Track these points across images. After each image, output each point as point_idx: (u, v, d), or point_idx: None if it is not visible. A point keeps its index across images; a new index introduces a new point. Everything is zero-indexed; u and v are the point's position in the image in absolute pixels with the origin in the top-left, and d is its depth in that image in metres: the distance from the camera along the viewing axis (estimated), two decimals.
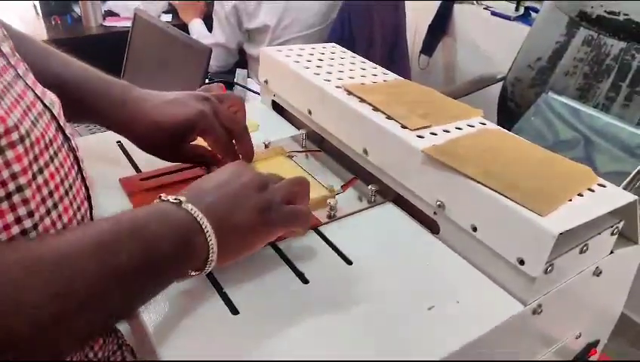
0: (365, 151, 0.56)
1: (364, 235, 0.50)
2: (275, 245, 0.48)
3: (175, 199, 0.37)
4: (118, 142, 0.62)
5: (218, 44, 1.47)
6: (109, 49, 1.34)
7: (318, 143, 0.65)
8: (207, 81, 1.21)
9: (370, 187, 0.54)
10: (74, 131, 0.42)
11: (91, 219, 0.42)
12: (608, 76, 1.21)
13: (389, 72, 0.68)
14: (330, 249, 0.48)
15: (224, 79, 1.25)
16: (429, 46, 1.96)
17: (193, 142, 0.53)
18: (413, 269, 0.46)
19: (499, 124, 0.57)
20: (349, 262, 0.46)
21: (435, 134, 0.52)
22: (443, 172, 0.47)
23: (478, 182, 0.45)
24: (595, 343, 0.61)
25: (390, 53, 1.58)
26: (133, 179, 0.55)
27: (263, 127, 0.69)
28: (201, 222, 0.36)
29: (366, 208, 0.54)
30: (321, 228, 0.50)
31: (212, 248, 0.37)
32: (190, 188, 0.40)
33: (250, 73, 1.49)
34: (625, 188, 1.08)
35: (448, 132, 0.53)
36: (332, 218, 0.52)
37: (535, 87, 1.33)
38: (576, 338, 0.56)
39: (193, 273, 0.38)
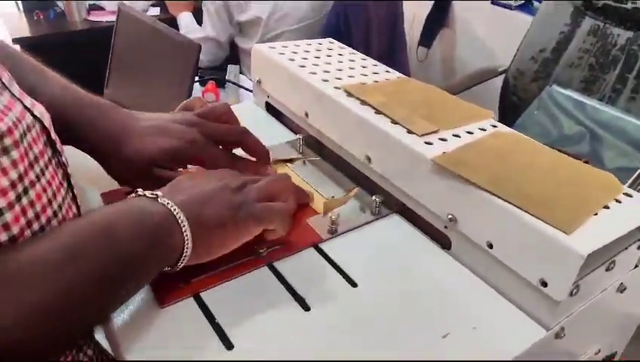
0: (368, 159, 0.52)
1: (369, 252, 0.46)
2: (272, 266, 0.43)
3: (152, 194, 0.38)
4: None
5: (208, 38, 1.42)
6: (94, 45, 1.29)
7: (317, 149, 0.60)
8: (197, 78, 1.16)
9: (374, 198, 0.50)
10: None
11: None
12: (615, 68, 1.17)
13: (391, 69, 0.64)
14: (333, 269, 0.44)
15: (215, 76, 1.20)
16: (427, 38, 1.91)
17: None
18: (424, 291, 0.42)
19: (501, 118, 0.53)
20: (354, 284, 0.42)
21: (445, 140, 0.48)
22: (455, 182, 0.43)
23: (494, 195, 0.41)
24: (613, 355, 0.57)
25: (388, 45, 1.53)
26: (117, 193, 0.51)
27: (256, 131, 0.64)
28: (176, 215, 0.37)
29: (370, 221, 0.49)
30: (322, 245, 0.46)
31: (187, 242, 0.37)
32: (168, 185, 0.41)
33: (242, 69, 1.44)
34: (631, 186, 1.04)
35: (458, 137, 0.49)
36: (333, 233, 0.48)
37: (538, 80, 1.28)
38: (596, 354, 0.52)
39: (167, 268, 0.38)
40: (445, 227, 0.46)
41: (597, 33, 1.15)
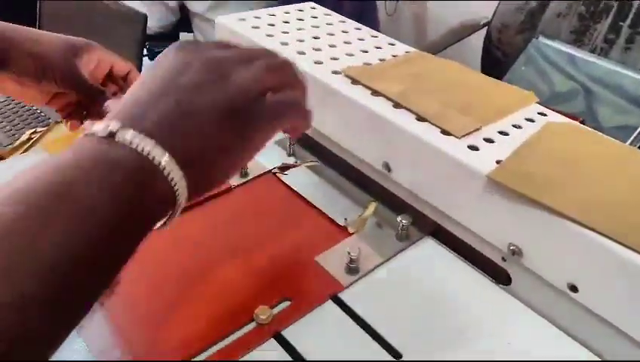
0: (387, 167, 0.40)
1: (406, 299, 0.35)
2: (281, 337, 0.32)
3: (105, 131, 0.23)
4: None
5: (155, 2, 1.24)
6: (18, 16, 1.09)
7: (313, 149, 0.48)
8: (145, 51, 1.00)
9: (399, 219, 0.39)
10: None
11: None
12: (607, 16, 1.08)
13: (395, 40, 0.51)
14: (365, 333, 0.32)
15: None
16: None
17: None
18: (494, 356, 0.31)
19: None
20: (397, 355, 0.31)
21: (492, 141, 0.37)
22: (519, 204, 0.32)
23: (583, 225, 0.30)
24: None
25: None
26: None
27: None
28: (152, 157, 0.23)
29: (398, 252, 0.38)
30: (343, 296, 0.35)
31: (177, 189, 0.24)
32: (124, 102, 0.26)
33: (196, 36, 1.27)
34: (631, 145, 0.96)
35: (506, 135, 0.38)
36: (354, 273, 0.36)
37: (524, 33, 1.18)
38: None
39: (158, 224, 0.25)
40: (503, 259, 0.35)
41: None
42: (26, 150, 0.66)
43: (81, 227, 0.21)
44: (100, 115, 0.44)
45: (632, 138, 1.01)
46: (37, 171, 0.22)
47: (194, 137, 0.25)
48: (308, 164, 0.46)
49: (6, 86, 0.43)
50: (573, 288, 0.31)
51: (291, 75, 0.32)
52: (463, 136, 0.36)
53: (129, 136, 0.23)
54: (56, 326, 0.21)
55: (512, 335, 0.32)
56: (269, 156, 0.47)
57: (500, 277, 0.36)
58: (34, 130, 0.69)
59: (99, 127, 0.24)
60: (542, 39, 1.11)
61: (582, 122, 0.41)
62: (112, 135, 0.23)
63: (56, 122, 0.69)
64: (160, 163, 0.23)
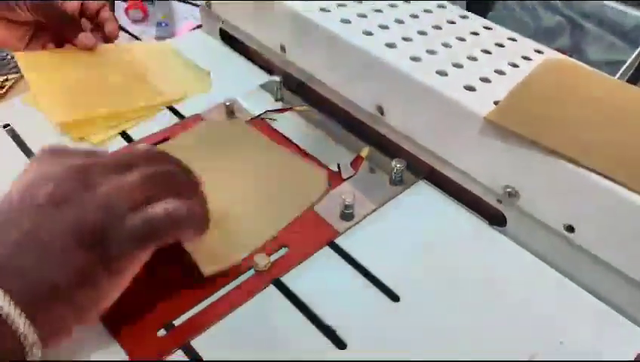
0: (380, 110, 0.39)
1: (402, 243, 0.35)
2: (280, 283, 0.32)
3: None
4: (6, 125, 0.42)
5: None
6: None
7: (301, 93, 0.46)
8: None
9: (394, 164, 0.38)
10: None
11: None
12: None
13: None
14: (363, 276, 0.32)
15: None
16: None
17: None
18: (487, 294, 0.32)
19: None
20: (395, 298, 0.31)
21: (488, 81, 0.36)
22: (517, 146, 0.32)
23: (582, 165, 0.30)
24: None
25: None
26: None
27: (213, 72, 0.48)
28: None
29: (393, 196, 0.38)
30: (339, 241, 0.34)
31: (23, 335, 0.21)
32: None
33: None
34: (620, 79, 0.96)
35: (503, 74, 0.37)
36: (349, 219, 0.36)
37: None
38: None
39: None
40: (499, 201, 0.35)
41: None
42: None
43: None
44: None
45: (619, 73, 1.01)
46: None
47: (45, 273, 0.22)
48: (298, 109, 0.45)
49: None
50: (570, 228, 0.31)
51: (178, 182, 0.28)
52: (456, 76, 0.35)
53: None
54: None
55: (507, 276, 0.33)
56: (255, 101, 0.46)
57: (495, 219, 0.36)
58: (5, 77, 0.66)
59: None
60: None
61: (571, 56, 0.40)
62: None
63: None
64: (7, 315, 0.21)
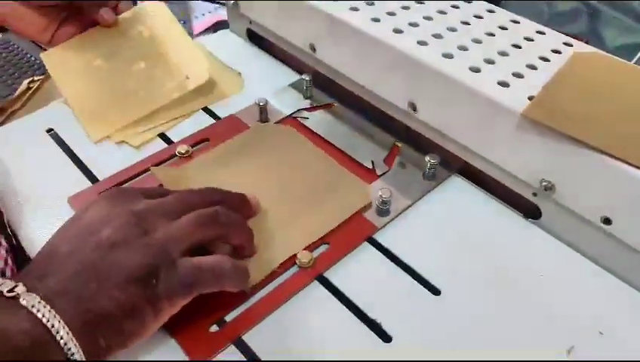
0: (413, 107, 0.40)
1: (439, 237, 0.36)
2: (324, 279, 0.33)
3: (10, 291, 0.24)
4: (50, 130, 0.43)
5: None
6: None
7: (330, 90, 0.47)
8: None
9: (427, 159, 0.39)
10: None
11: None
12: None
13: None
14: (403, 271, 0.33)
15: None
16: None
17: None
18: (528, 289, 0.32)
19: None
20: (436, 291, 0.32)
21: (521, 76, 0.36)
22: (553, 141, 0.32)
23: (614, 156, 0.30)
24: None
25: None
26: (89, 194, 0.37)
27: (242, 72, 0.49)
28: (48, 324, 0.24)
29: (427, 191, 0.39)
30: (378, 237, 0.35)
31: (72, 355, 0.24)
32: (37, 259, 0.27)
33: None
34: (637, 63, 0.95)
35: (534, 68, 0.37)
36: (385, 215, 0.37)
37: None
38: None
39: None
40: (534, 194, 0.36)
41: None
42: (26, 101, 0.64)
43: None
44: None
45: (636, 58, 1.00)
46: None
47: (98, 302, 0.25)
48: (324, 105, 0.46)
49: (9, 22, 0.42)
50: (607, 221, 0.32)
51: (228, 224, 0.31)
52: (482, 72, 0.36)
53: (29, 302, 0.24)
54: None
55: (545, 268, 0.34)
56: (285, 100, 0.46)
57: (529, 212, 0.37)
58: (31, 78, 0.67)
59: (5, 287, 0.24)
60: None
61: (586, 43, 0.40)
62: (16, 296, 0.24)
63: None
64: (58, 332, 0.24)
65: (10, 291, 0.24)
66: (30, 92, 0.66)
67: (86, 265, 0.26)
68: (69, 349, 0.24)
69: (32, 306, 0.24)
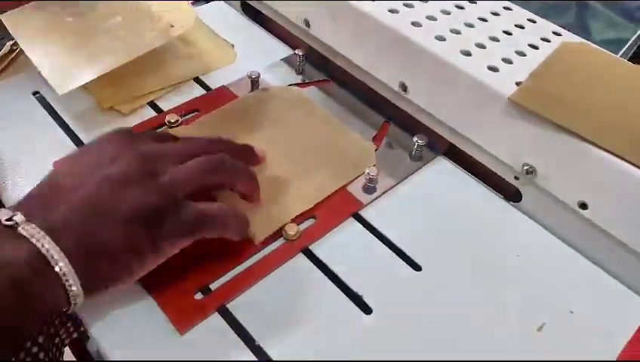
0: (403, 87, 0.40)
1: (423, 215, 0.36)
2: (309, 251, 0.34)
3: (9, 220, 0.24)
4: (36, 93, 0.42)
5: None
6: None
7: (324, 67, 0.47)
8: None
9: (415, 140, 0.39)
10: None
11: None
12: None
13: None
14: (386, 247, 0.34)
15: None
16: None
17: None
18: (505, 267, 0.34)
19: None
20: (417, 267, 0.33)
21: (510, 62, 0.37)
22: (537, 127, 0.33)
23: (599, 147, 0.31)
24: None
25: None
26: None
27: (235, 44, 0.49)
28: (48, 254, 0.24)
29: (414, 172, 0.39)
30: (363, 213, 0.36)
31: (70, 286, 0.25)
32: (38, 189, 0.27)
33: None
34: (623, 57, 0.97)
35: (523, 55, 0.38)
36: (372, 192, 0.37)
37: None
38: None
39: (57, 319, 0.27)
40: (516, 178, 0.37)
41: None
42: (8, 64, 0.63)
43: None
44: None
45: (621, 52, 1.02)
46: None
47: (100, 236, 0.25)
48: (318, 81, 0.46)
49: None
50: (583, 205, 0.33)
51: (235, 173, 0.31)
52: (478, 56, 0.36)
53: (28, 230, 0.24)
54: None
55: (521, 249, 0.35)
56: (277, 74, 0.47)
57: (510, 195, 0.38)
58: (14, 40, 0.65)
59: (3, 216, 0.24)
60: None
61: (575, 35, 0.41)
62: (14, 225, 0.24)
63: None
64: (54, 257, 0.24)
65: (8, 220, 0.24)
66: (14, 54, 0.65)
67: (91, 200, 0.26)
68: (67, 280, 0.24)
69: (32, 236, 0.24)
